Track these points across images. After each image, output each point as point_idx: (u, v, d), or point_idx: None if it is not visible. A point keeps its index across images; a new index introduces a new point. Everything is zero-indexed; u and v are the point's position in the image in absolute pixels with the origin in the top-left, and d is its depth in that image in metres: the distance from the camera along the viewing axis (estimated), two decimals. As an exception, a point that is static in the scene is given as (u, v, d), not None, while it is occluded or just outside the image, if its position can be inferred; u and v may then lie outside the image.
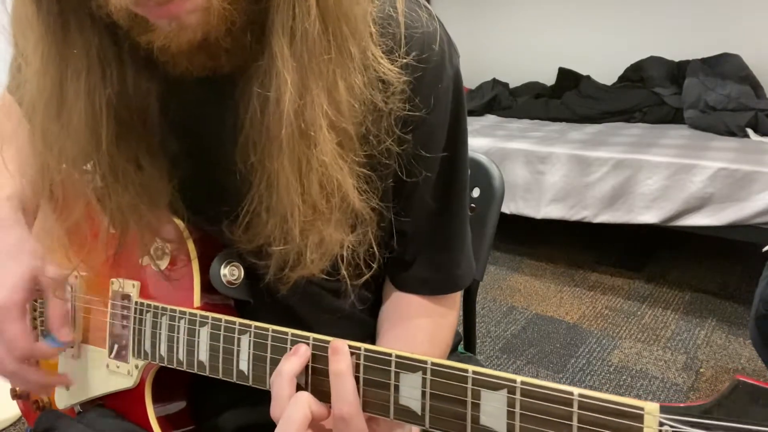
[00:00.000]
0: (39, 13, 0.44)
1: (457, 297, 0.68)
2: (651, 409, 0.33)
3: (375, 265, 0.55)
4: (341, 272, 0.53)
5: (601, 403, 0.35)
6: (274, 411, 0.46)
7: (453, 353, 0.77)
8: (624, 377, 1.80)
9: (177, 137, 0.54)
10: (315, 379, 0.47)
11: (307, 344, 0.47)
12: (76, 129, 0.47)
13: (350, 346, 0.45)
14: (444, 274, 0.64)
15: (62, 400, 0.68)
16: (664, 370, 1.82)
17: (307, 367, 0.47)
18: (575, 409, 0.36)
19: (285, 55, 0.43)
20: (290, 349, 0.48)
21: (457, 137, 0.59)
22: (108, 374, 0.63)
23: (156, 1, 0.40)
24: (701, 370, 1.83)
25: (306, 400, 0.45)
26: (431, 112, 0.54)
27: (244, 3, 0.43)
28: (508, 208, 2.45)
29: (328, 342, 0.46)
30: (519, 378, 0.38)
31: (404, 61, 0.50)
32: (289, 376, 0.46)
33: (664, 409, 0.33)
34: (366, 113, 0.49)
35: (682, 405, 0.33)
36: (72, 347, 0.66)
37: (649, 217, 2.15)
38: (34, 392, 0.67)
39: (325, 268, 0.52)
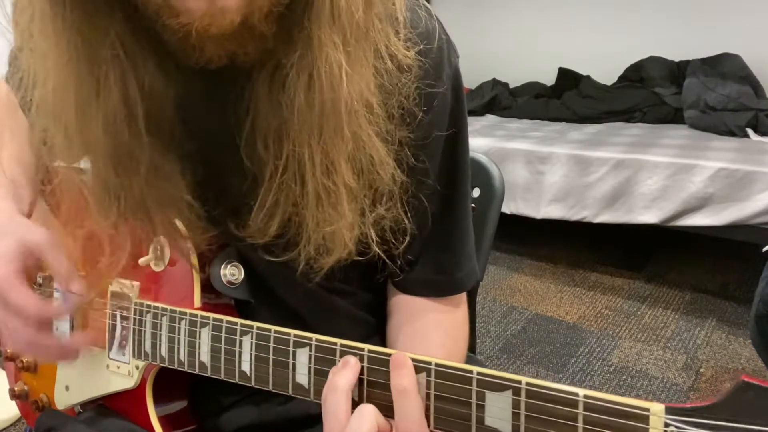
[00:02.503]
0: (61, 11, 0.43)
1: (463, 296, 0.68)
2: (656, 410, 0.33)
3: (408, 238, 0.55)
4: (372, 249, 0.53)
5: (606, 404, 0.35)
6: (333, 428, 0.43)
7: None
8: (624, 377, 1.80)
9: (189, 133, 0.54)
10: (369, 392, 0.44)
11: (356, 356, 0.45)
12: (96, 127, 0.47)
13: (351, 347, 0.45)
14: (446, 276, 0.64)
15: (62, 400, 0.68)
16: (664, 370, 1.82)
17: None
18: (580, 410, 0.36)
19: (333, 41, 0.44)
20: (292, 350, 0.48)
21: (456, 137, 0.59)
22: (108, 375, 0.63)
23: None
24: (701, 370, 1.83)
25: (372, 413, 0.43)
26: (431, 108, 0.54)
27: None
28: (508, 208, 2.45)
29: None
30: (524, 379, 0.38)
31: (411, 51, 0.51)
32: (345, 391, 0.43)
33: (669, 410, 0.33)
34: (390, 98, 0.50)
35: (687, 406, 0.33)
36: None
37: (649, 217, 2.15)
38: (56, 359, 0.62)
39: (358, 248, 0.52)
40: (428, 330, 0.63)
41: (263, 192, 0.49)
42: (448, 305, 0.65)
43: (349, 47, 0.45)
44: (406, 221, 0.54)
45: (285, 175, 0.48)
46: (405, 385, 0.41)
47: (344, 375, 0.44)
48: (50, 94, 0.48)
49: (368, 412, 0.43)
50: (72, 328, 0.66)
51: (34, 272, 0.58)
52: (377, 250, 0.52)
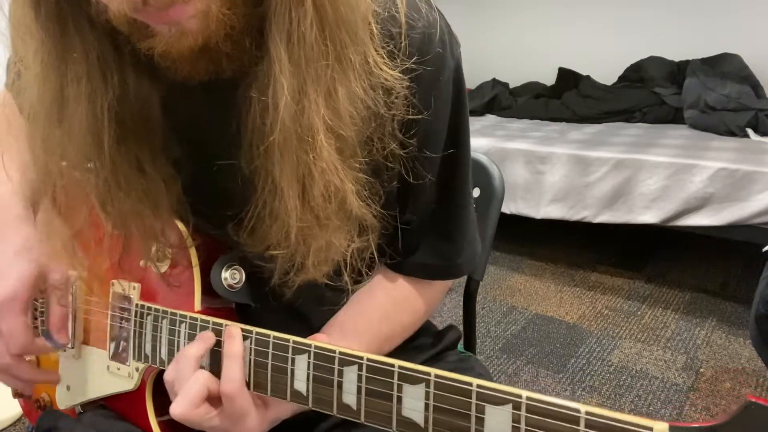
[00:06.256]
0: (38, 19, 0.44)
1: (442, 289, 0.69)
2: (660, 429, 0.33)
3: (373, 273, 0.55)
4: (344, 278, 0.53)
5: (608, 422, 0.34)
6: (177, 388, 0.51)
7: (452, 351, 0.77)
8: (624, 377, 1.80)
9: (180, 141, 0.54)
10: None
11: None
12: (77, 133, 0.47)
13: (349, 355, 0.45)
14: (446, 262, 0.65)
15: (63, 400, 0.68)
16: (664, 370, 1.82)
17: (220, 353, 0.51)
18: (582, 427, 0.35)
19: (282, 60, 0.43)
20: (291, 356, 0.48)
21: (458, 131, 0.59)
22: (108, 376, 0.63)
23: (156, 6, 0.40)
24: (701, 370, 1.83)
25: (204, 377, 0.50)
26: (432, 110, 0.54)
27: (243, 7, 0.43)
28: (508, 208, 2.45)
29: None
30: (524, 393, 0.38)
31: (406, 62, 0.50)
32: (192, 357, 0.51)
33: (673, 429, 0.32)
34: (368, 119, 0.48)
35: (692, 425, 0.32)
36: (71, 348, 0.66)
37: (649, 217, 2.15)
38: (20, 389, 0.66)
39: (329, 274, 0.52)
40: (378, 289, 0.64)
41: (255, 202, 0.49)
42: (429, 288, 0.66)
43: (301, 68, 0.43)
44: (376, 255, 0.55)
45: (267, 190, 0.48)
46: (234, 351, 0.50)
47: (195, 345, 0.52)
48: (33, 103, 0.49)
49: (201, 376, 0.50)
50: (74, 329, 0.66)
51: (38, 294, 0.60)
52: (347, 279, 0.53)
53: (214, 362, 0.52)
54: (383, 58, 0.48)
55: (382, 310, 0.63)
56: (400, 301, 0.65)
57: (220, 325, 0.53)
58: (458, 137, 0.59)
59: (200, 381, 0.50)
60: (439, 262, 0.64)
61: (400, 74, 0.49)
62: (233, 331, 0.51)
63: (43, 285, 0.59)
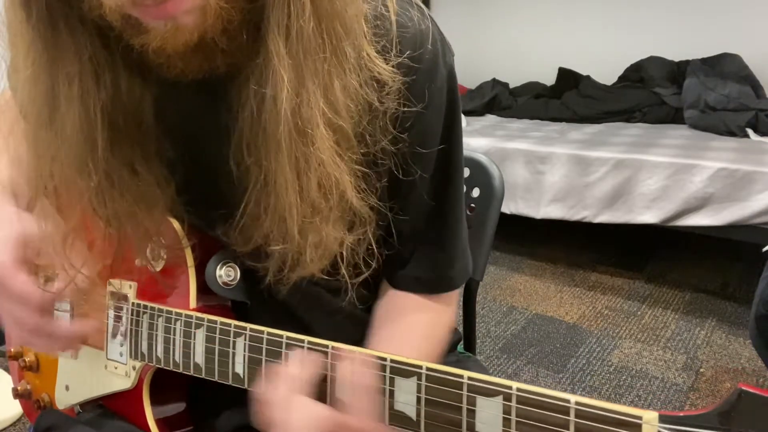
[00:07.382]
0: (29, 20, 0.44)
1: (454, 295, 0.68)
2: (649, 418, 0.33)
3: (374, 264, 0.55)
4: (341, 272, 0.52)
5: (598, 412, 0.34)
6: (278, 414, 0.44)
7: (452, 352, 0.77)
8: (624, 377, 1.80)
9: (173, 142, 0.54)
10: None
11: (302, 348, 0.46)
12: (70, 135, 0.47)
13: (341, 350, 0.45)
14: (438, 274, 0.64)
15: (62, 400, 0.69)
16: (664, 370, 1.82)
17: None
18: (572, 417, 0.35)
19: (281, 53, 0.43)
20: (284, 352, 0.48)
21: (451, 138, 0.59)
22: (106, 375, 0.63)
23: (153, 0, 0.40)
24: (701, 370, 1.83)
25: (324, 414, 0.43)
26: (425, 112, 0.54)
27: (241, 1, 0.43)
28: (508, 208, 2.45)
29: (326, 346, 0.45)
30: (515, 384, 0.38)
31: (398, 61, 0.50)
32: (303, 383, 0.44)
33: (662, 418, 0.32)
34: (362, 113, 0.49)
35: (681, 414, 0.32)
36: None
37: (649, 217, 2.15)
38: (60, 348, 0.63)
39: (325, 268, 0.52)
40: (412, 327, 0.63)
41: (246, 200, 0.49)
42: (438, 303, 0.66)
43: (299, 61, 0.43)
44: (375, 248, 0.54)
45: (259, 186, 0.48)
46: (370, 383, 0.43)
47: (304, 367, 0.45)
48: (25, 104, 0.49)
49: (323, 412, 0.43)
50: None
51: (33, 265, 0.58)
52: (344, 272, 0.53)
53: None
54: (376, 53, 0.49)
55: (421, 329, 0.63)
56: (430, 324, 0.64)
57: (298, 340, 0.47)
58: (451, 149, 0.59)
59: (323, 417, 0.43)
60: (432, 274, 0.64)
61: (393, 68, 0.49)
62: (369, 360, 0.43)
63: (31, 250, 0.57)
